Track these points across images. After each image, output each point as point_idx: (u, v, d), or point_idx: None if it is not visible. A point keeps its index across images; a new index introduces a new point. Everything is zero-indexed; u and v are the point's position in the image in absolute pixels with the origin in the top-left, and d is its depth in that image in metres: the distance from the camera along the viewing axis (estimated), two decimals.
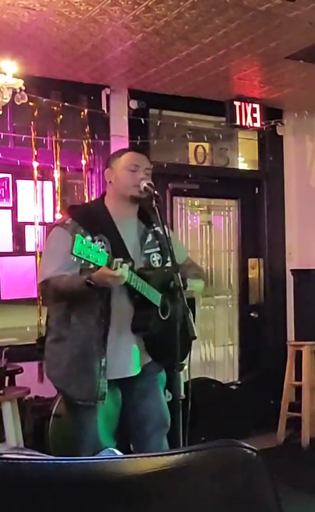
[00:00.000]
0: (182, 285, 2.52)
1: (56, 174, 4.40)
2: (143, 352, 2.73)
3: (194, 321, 2.95)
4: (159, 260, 2.78)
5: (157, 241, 2.79)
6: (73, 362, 2.62)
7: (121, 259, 2.42)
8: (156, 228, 2.80)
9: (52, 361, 2.74)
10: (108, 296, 2.59)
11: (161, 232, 2.74)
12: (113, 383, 2.66)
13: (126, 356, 2.67)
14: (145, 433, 2.79)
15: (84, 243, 2.24)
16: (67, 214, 2.71)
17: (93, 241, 2.37)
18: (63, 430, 3.64)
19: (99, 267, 2.35)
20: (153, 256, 2.77)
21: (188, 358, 2.63)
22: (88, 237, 2.33)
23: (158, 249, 2.78)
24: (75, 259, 2.29)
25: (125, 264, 2.42)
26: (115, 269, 2.34)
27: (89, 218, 2.66)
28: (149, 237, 2.79)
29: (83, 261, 2.30)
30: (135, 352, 2.70)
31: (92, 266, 2.38)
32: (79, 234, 2.33)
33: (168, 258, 2.68)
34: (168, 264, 2.72)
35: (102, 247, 2.47)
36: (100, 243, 2.53)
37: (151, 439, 2.77)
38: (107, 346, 2.60)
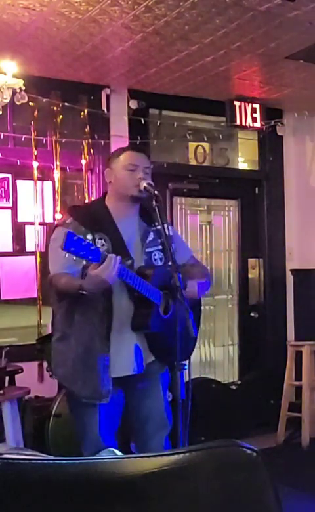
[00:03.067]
0: (181, 285, 2.52)
1: (56, 174, 4.40)
2: (146, 351, 2.74)
3: (200, 320, 2.97)
4: (160, 259, 2.79)
5: (159, 240, 2.80)
6: (78, 360, 2.64)
7: (114, 255, 2.41)
8: (158, 227, 2.80)
9: (58, 359, 2.76)
10: (109, 293, 2.60)
11: (164, 232, 2.75)
12: (116, 381, 2.66)
13: (128, 354, 2.68)
14: (146, 433, 2.79)
15: (75, 239, 2.24)
16: (68, 214, 2.72)
17: (93, 239, 2.36)
18: (63, 430, 3.65)
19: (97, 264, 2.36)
20: (155, 255, 2.78)
21: (188, 359, 2.64)
22: (89, 236, 2.33)
23: (160, 247, 2.79)
24: (67, 255, 2.28)
25: (115, 256, 2.40)
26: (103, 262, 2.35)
27: (89, 217, 2.66)
28: (151, 236, 2.79)
29: (74, 258, 2.29)
30: (137, 351, 2.70)
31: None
32: (79, 232, 2.33)
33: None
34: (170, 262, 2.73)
35: (102, 245, 2.49)
36: (100, 241, 2.54)
37: (153, 439, 2.77)
38: (111, 344, 2.62)
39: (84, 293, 2.44)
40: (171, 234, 2.80)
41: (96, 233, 2.51)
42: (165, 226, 2.69)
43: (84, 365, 2.62)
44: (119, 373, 2.65)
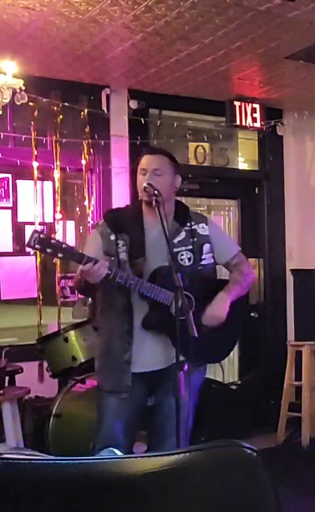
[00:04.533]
0: (182, 285, 2.53)
1: (56, 174, 4.40)
2: (171, 351, 2.72)
3: (240, 325, 3.18)
4: (188, 259, 2.80)
5: (190, 240, 2.82)
6: (102, 355, 2.83)
7: (94, 258, 2.53)
8: (193, 227, 2.84)
9: (94, 352, 3.04)
10: (128, 293, 2.69)
11: (199, 231, 2.83)
12: (139, 378, 2.72)
13: (150, 351, 2.74)
14: (164, 432, 2.78)
15: (43, 237, 2.44)
16: (103, 216, 2.97)
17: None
18: (63, 430, 3.65)
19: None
20: (183, 255, 2.79)
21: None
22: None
23: (190, 247, 2.81)
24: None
25: (102, 262, 2.52)
26: (85, 264, 2.50)
27: (118, 219, 2.82)
28: (181, 236, 2.81)
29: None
30: (159, 348, 2.74)
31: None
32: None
33: (203, 257, 2.81)
34: (204, 262, 2.82)
35: (123, 245, 2.71)
36: (120, 241, 2.73)
37: (170, 439, 2.76)
38: (133, 341, 2.71)
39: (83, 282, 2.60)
40: (206, 233, 2.85)
41: (119, 234, 2.72)
42: (165, 225, 2.69)
43: (107, 360, 2.79)
44: (140, 369, 2.72)
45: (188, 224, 2.84)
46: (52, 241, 2.48)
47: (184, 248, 2.80)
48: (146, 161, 2.80)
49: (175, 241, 2.78)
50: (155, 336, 2.73)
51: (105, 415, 2.77)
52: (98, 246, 2.75)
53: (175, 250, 2.76)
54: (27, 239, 2.50)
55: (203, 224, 2.87)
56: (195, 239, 2.82)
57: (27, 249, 2.51)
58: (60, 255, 2.48)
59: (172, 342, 2.72)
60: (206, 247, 2.83)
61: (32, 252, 2.50)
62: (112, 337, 2.75)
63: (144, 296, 2.68)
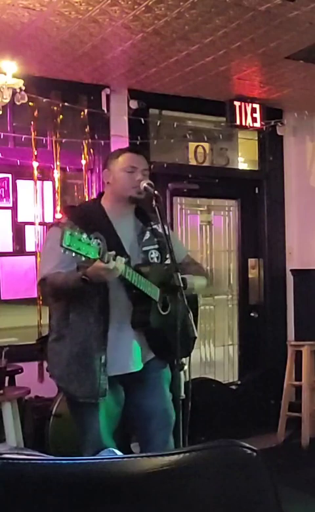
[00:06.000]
0: (182, 284, 2.53)
1: (56, 174, 4.40)
2: (145, 348, 2.74)
3: (197, 318, 2.97)
4: (157, 257, 2.81)
5: (155, 239, 2.82)
6: (73, 360, 2.64)
7: (114, 252, 2.43)
8: (154, 226, 2.84)
9: (54, 360, 2.77)
10: (106, 292, 2.61)
11: (160, 231, 2.77)
12: (115, 380, 2.66)
13: (126, 352, 2.69)
14: (149, 431, 2.79)
15: (74, 235, 2.25)
16: (63, 214, 2.78)
17: (89, 237, 2.34)
18: (63, 430, 3.65)
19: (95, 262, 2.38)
20: (152, 253, 2.80)
21: (188, 358, 2.64)
22: (84, 236, 2.31)
23: (156, 246, 2.81)
24: (66, 252, 2.27)
25: (119, 257, 2.44)
26: (108, 262, 2.37)
27: (85, 217, 2.69)
28: (147, 235, 2.82)
29: (74, 254, 2.28)
30: (136, 348, 2.71)
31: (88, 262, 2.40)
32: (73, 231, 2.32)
33: (168, 256, 2.72)
34: (168, 261, 2.76)
35: (98, 245, 2.46)
36: (95, 240, 2.50)
37: (155, 438, 2.76)
38: (108, 342, 2.62)
39: (87, 279, 2.43)
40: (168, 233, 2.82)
41: (91, 232, 2.49)
42: (165, 226, 2.70)
43: (80, 364, 2.63)
44: (117, 371, 2.66)
45: (150, 224, 2.85)
46: (83, 237, 2.30)
47: (152, 247, 2.81)
48: (133, 159, 2.78)
49: (143, 240, 2.79)
50: (130, 336, 2.69)
51: (88, 424, 2.68)
52: None
53: (144, 249, 2.78)
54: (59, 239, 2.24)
55: (166, 225, 2.85)
56: (158, 238, 2.82)
57: (62, 251, 2.30)
58: (90, 253, 2.32)
59: (149, 340, 2.72)
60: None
61: (66, 252, 2.31)
62: (86, 340, 2.62)
63: (130, 293, 2.64)
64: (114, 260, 2.39)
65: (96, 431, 2.65)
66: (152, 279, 2.66)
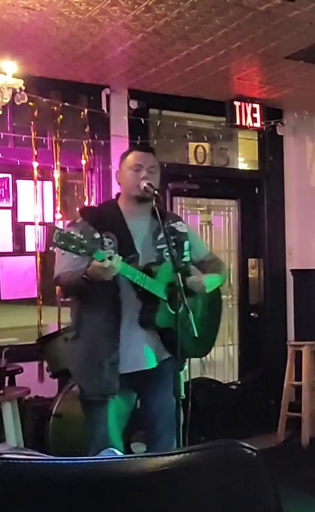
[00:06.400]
0: (182, 284, 2.53)
1: (56, 174, 4.40)
2: (160, 347, 2.74)
3: (219, 317, 3.06)
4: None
5: (171, 237, 2.81)
6: (84, 358, 2.69)
7: (111, 251, 2.45)
8: (171, 225, 2.85)
9: (69, 358, 2.86)
10: (116, 291, 2.63)
11: (178, 229, 2.84)
12: (127, 378, 2.66)
13: (138, 350, 2.69)
14: (156, 432, 2.79)
15: (64, 233, 2.30)
16: (79, 214, 2.80)
17: (101, 237, 2.42)
18: (63, 430, 3.65)
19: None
20: (166, 252, 2.79)
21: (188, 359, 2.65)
22: (96, 235, 2.39)
23: (173, 244, 2.80)
24: (63, 252, 2.33)
25: (116, 256, 2.45)
26: (102, 260, 2.39)
27: (99, 216, 2.73)
28: (162, 234, 2.80)
29: (63, 252, 2.35)
30: (148, 346, 2.72)
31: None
32: (87, 231, 2.41)
33: (185, 253, 2.80)
34: (186, 259, 2.83)
35: (109, 244, 2.56)
36: (107, 239, 2.60)
37: (162, 438, 2.76)
38: (120, 340, 2.64)
39: (87, 278, 2.47)
40: (185, 231, 2.88)
41: (104, 232, 2.56)
42: (164, 225, 2.69)
43: (91, 363, 2.66)
44: (129, 369, 2.67)
45: (167, 223, 2.83)
46: (74, 237, 2.34)
47: (166, 245, 2.78)
48: (139, 157, 2.80)
49: (158, 238, 2.79)
50: (141, 334, 2.70)
51: (96, 422, 2.69)
52: None
53: (159, 247, 2.78)
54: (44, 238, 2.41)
55: (181, 222, 2.92)
56: (175, 236, 2.83)
57: (51, 248, 2.38)
58: (81, 251, 2.36)
59: (162, 339, 2.73)
60: (186, 244, 2.86)
61: (56, 250, 2.36)
62: (98, 338, 2.64)
63: (140, 292, 2.65)
64: (110, 259, 2.40)
65: (104, 431, 2.67)
66: (163, 279, 2.65)
